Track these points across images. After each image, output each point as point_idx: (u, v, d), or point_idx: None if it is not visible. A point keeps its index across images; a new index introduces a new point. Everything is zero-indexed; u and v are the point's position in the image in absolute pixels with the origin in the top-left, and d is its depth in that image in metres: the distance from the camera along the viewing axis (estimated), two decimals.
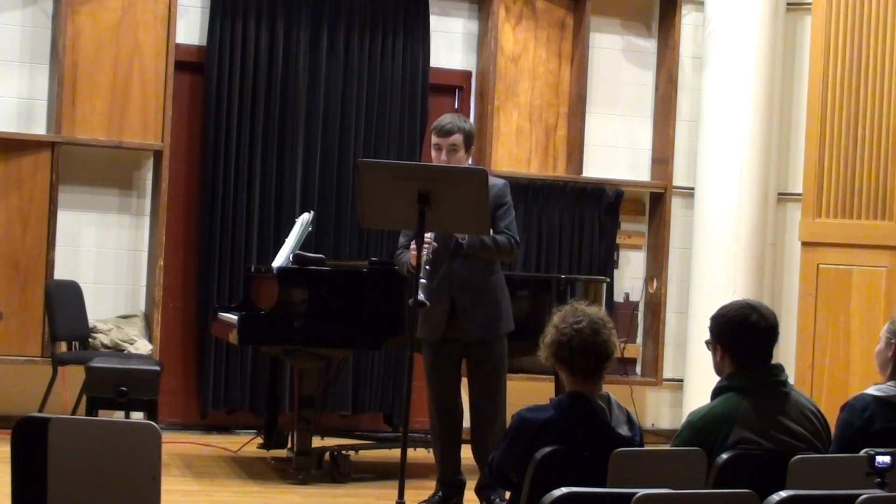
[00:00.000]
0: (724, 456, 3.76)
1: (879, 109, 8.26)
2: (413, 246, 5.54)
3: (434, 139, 5.83)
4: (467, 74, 8.76)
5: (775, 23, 8.58)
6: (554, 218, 8.63)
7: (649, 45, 9.03)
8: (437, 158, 5.78)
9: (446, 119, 5.86)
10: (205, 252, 8.14)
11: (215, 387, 8.11)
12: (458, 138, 5.77)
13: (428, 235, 5.50)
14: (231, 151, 8.13)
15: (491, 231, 5.61)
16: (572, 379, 3.84)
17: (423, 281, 5.31)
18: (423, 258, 5.37)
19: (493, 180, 5.92)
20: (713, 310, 4.14)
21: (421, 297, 5.24)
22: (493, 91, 8.54)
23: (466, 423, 6.02)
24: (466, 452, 6.03)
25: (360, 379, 8.33)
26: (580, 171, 8.69)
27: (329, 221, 8.24)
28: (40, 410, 7.21)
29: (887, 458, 3.41)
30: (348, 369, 8.14)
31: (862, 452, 3.69)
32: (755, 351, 4.00)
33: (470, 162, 5.98)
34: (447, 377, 5.92)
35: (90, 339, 7.71)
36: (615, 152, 8.95)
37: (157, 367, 6.97)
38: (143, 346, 7.74)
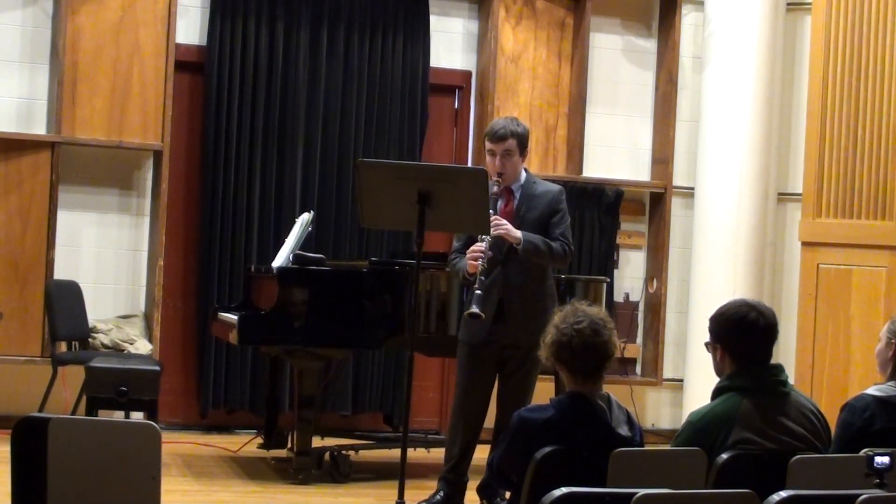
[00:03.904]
0: (724, 456, 3.76)
1: (879, 109, 8.25)
2: (469, 252, 5.58)
3: (488, 145, 5.84)
4: (467, 74, 8.76)
5: (775, 23, 8.58)
6: None
7: (649, 45, 9.03)
8: (492, 164, 5.79)
9: (499, 124, 5.88)
10: (205, 252, 8.14)
11: (215, 387, 8.11)
12: (512, 143, 5.79)
13: (482, 244, 5.53)
14: (231, 151, 8.13)
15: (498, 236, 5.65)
16: (572, 379, 3.84)
17: (478, 292, 5.36)
18: (479, 268, 5.42)
19: (548, 186, 6.00)
20: (713, 310, 4.14)
21: (475, 309, 5.31)
22: (493, 91, 8.54)
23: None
24: (479, 453, 6.02)
25: (360, 379, 8.33)
26: (580, 171, 8.69)
27: (329, 221, 8.24)
28: (40, 410, 7.21)
29: (886, 459, 3.40)
30: (348, 369, 8.14)
31: (861, 453, 3.69)
32: (755, 349, 4.00)
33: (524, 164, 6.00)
34: (483, 379, 5.92)
35: (90, 339, 7.71)
36: (615, 152, 8.95)
37: (157, 367, 6.98)
38: (143, 346, 7.74)
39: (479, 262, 5.52)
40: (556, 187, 5.99)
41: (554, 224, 5.83)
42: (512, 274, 5.75)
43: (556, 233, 5.83)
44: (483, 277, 5.48)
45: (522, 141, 5.84)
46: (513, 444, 3.80)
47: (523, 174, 5.93)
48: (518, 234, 5.68)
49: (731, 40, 8.53)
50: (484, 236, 5.58)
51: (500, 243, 5.69)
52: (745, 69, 8.48)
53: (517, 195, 5.87)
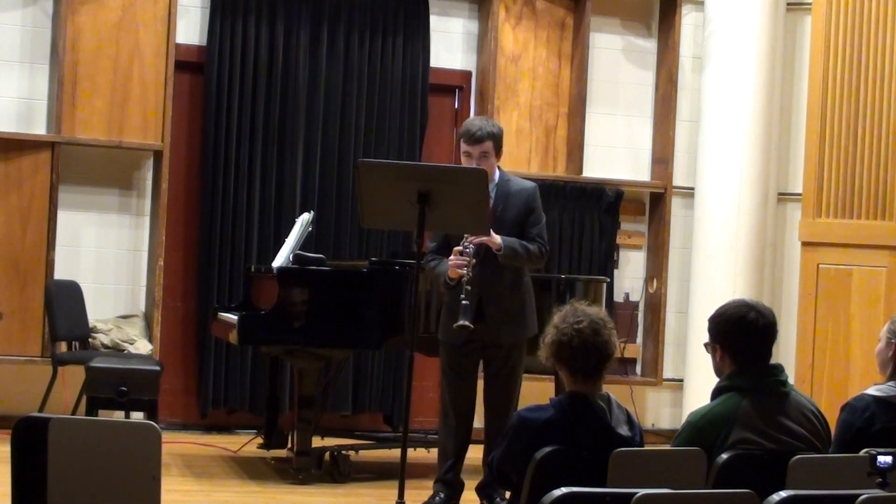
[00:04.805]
0: (724, 456, 3.76)
1: (879, 109, 8.26)
2: (452, 259, 5.56)
3: (464, 146, 5.80)
4: (467, 74, 8.76)
5: (775, 23, 8.58)
6: (554, 218, 8.61)
7: (649, 45, 9.03)
8: (468, 164, 5.77)
9: (475, 125, 5.83)
10: (205, 252, 8.13)
11: (215, 387, 8.11)
12: (488, 145, 5.77)
13: (466, 250, 5.51)
14: (231, 151, 8.13)
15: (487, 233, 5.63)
16: (572, 379, 3.84)
17: (465, 303, 5.35)
18: (465, 276, 5.42)
19: (522, 183, 5.96)
20: (713, 310, 4.14)
21: (465, 321, 5.31)
22: (493, 91, 8.54)
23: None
24: (472, 453, 6.03)
25: (360, 379, 8.33)
26: (580, 171, 8.69)
27: (329, 221, 8.24)
28: (40, 410, 7.21)
29: (889, 458, 3.40)
30: (348, 369, 8.14)
31: (862, 452, 3.69)
32: (755, 349, 3.99)
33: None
34: (466, 379, 5.93)
35: (90, 339, 7.71)
36: (615, 152, 8.95)
37: (157, 367, 6.98)
38: (143, 346, 7.74)
39: (465, 270, 5.50)
40: (530, 185, 5.97)
41: (531, 223, 5.82)
42: (489, 273, 5.72)
43: (533, 233, 5.82)
44: (469, 287, 5.47)
45: (498, 142, 5.82)
46: (513, 444, 3.79)
47: (497, 172, 5.91)
48: (499, 240, 5.67)
49: (731, 40, 8.53)
50: (467, 244, 5.57)
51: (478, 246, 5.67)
52: (745, 69, 8.48)
53: (493, 194, 5.84)
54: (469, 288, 5.45)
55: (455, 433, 5.93)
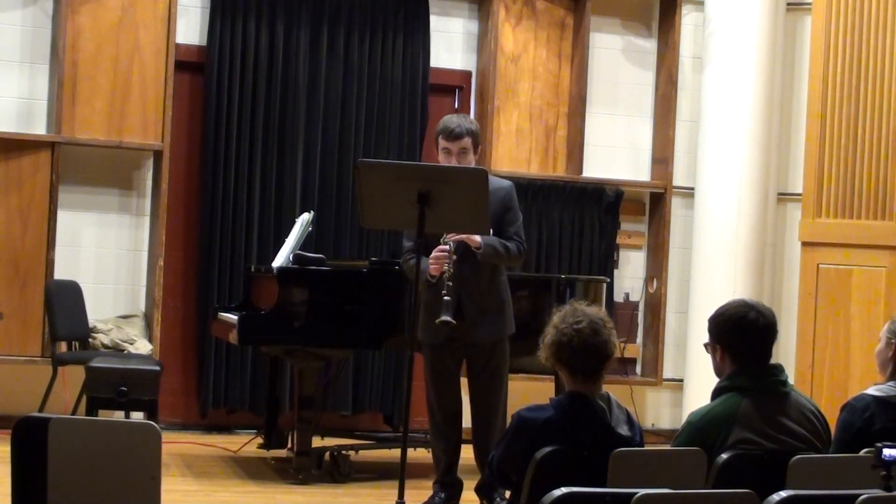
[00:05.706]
0: (724, 456, 3.76)
1: (879, 109, 8.26)
2: (433, 256, 5.55)
3: (443, 143, 5.79)
4: (467, 74, 8.76)
5: (775, 23, 8.58)
6: (554, 218, 8.63)
7: (649, 45, 9.03)
8: (447, 162, 5.76)
9: (453, 122, 5.82)
10: (205, 252, 8.14)
11: (215, 387, 8.11)
12: (467, 142, 5.76)
13: (446, 247, 5.51)
14: (231, 151, 8.13)
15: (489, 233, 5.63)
16: (572, 379, 3.84)
17: (447, 298, 5.35)
18: (447, 273, 5.41)
19: (499, 182, 5.92)
20: (713, 310, 4.13)
21: (447, 317, 5.31)
22: (493, 91, 8.54)
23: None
24: (465, 453, 6.03)
25: (360, 379, 8.33)
26: (580, 171, 8.69)
27: (329, 221, 8.24)
28: (40, 410, 7.21)
29: (894, 452, 3.39)
30: (348, 369, 8.14)
31: (863, 452, 3.69)
32: (755, 349, 3.99)
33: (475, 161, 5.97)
34: (450, 379, 5.93)
35: (90, 339, 7.71)
36: (615, 152, 8.95)
37: (157, 367, 6.98)
38: (143, 346, 7.74)
39: (447, 266, 5.50)
40: (506, 183, 5.95)
41: (508, 222, 5.80)
42: (466, 271, 5.72)
43: (511, 231, 5.80)
44: (451, 283, 5.46)
45: (476, 139, 5.83)
46: (513, 444, 3.79)
47: None
48: (478, 238, 5.66)
49: (731, 40, 8.53)
50: (447, 240, 5.57)
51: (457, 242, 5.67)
52: (745, 69, 8.48)
53: None
54: (451, 284, 5.45)
55: (445, 435, 5.94)
